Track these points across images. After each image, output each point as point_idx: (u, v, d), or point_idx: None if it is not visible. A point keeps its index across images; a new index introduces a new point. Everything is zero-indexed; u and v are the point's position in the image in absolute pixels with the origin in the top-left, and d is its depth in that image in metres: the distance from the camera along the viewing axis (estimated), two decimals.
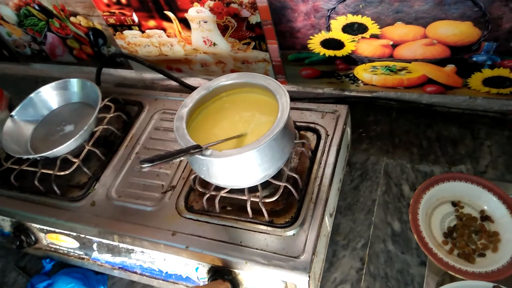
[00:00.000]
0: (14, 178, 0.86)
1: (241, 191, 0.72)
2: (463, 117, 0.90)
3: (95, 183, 0.83)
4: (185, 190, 0.78)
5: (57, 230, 0.80)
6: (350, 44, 0.84)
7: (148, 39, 1.01)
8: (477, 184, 0.75)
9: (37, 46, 1.18)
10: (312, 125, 0.82)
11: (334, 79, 0.94)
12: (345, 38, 0.83)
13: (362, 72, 0.90)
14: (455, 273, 0.66)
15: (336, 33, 0.82)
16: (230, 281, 0.69)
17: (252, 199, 0.70)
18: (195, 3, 0.87)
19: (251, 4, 0.83)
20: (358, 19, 0.78)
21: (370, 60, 0.86)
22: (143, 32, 1.00)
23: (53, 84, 0.95)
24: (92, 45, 1.10)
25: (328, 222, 0.74)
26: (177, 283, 0.77)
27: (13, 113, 0.92)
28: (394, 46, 0.81)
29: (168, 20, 0.94)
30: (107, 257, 0.80)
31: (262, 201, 0.70)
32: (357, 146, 0.91)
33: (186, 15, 0.91)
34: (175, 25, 0.95)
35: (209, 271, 0.71)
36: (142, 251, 0.75)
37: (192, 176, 0.76)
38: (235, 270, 0.69)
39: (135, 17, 0.96)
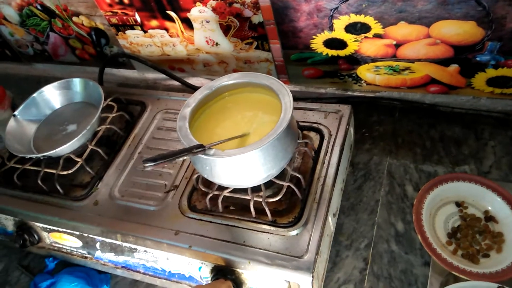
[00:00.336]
0: (17, 177, 0.87)
1: (244, 190, 0.72)
2: (466, 117, 0.89)
3: (98, 183, 0.83)
4: (188, 189, 0.78)
5: (60, 229, 0.80)
6: (353, 43, 0.84)
7: (150, 39, 1.01)
8: (481, 184, 0.75)
9: (40, 46, 1.18)
10: (315, 125, 0.82)
11: (337, 79, 0.94)
12: (348, 37, 0.83)
13: (365, 72, 0.89)
14: (459, 274, 0.66)
15: (339, 32, 0.82)
16: (233, 280, 0.68)
17: (255, 198, 0.70)
18: (198, 3, 0.87)
19: (253, 4, 0.83)
20: (361, 18, 0.78)
21: (373, 60, 0.85)
22: (145, 32, 1.00)
23: (55, 83, 0.95)
24: (95, 45, 1.10)
25: (331, 222, 0.74)
26: (180, 283, 0.77)
27: (16, 112, 0.92)
28: (397, 45, 0.81)
29: (171, 20, 0.94)
30: (110, 256, 0.80)
31: (265, 200, 0.69)
32: (360, 146, 0.91)
33: (188, 15, 0.91)
34: (178, 25, 0.95)
35: (212, 271, 0.71)
36: (145, 250, 0.75)
37: (195, 176, 0.76)
38: (238, 270, 0.68)
39: (137, 17, 0.96)
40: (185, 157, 0.61)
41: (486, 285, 0.64)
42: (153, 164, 0.58)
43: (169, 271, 0.76)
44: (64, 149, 0.81)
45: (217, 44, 0.96)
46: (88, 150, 0.85)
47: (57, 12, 1.04)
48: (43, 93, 0.95)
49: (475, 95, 0.86)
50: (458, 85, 0.85)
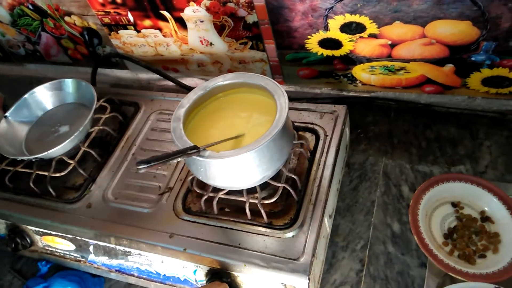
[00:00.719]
0: (9, 179, 0.86)
1: (239, 192, 0.71)
2: (462, 117, 0.89)
3: (91, 185, 0.82)
4: (183, 191, 0.77)
5: (53, 233, 0.79)
6: (348, 43, 0.83)
7: (143, 39, 1.00)
8: (477, 184, 0.75)
9: (31, 46, 1.17)
10: (310, 126, 0.82)
11: (332, 79, 0.93)
12: (343, 37, 0.82)
13: (360, 72, 0.89)
14: (456, 275, 0.66)
15: (334, 32, 0.82)
16: (229, 283, 0.68)
17: (250, 200, 0.70)
18: (191, 3, 0.86)
19: (248, 3, 0.82)
20: (356, 18, 0.78)
21: (368, 60, 0.85)
22: (138, 31, 0.99)
23: (47, 84, 0.94)
24: (87, 45, 1.09)
25: (327, 224, 0.73)
26: (175, 286, 0.76)
27: (7, 114, 0.91)
28: (393, 45, 0.81)
29: (164, 19, 0.93)
30: (103, 259, 0.79)
31: (261, 202, 0.69)
32: (356, 147, 0.90)
33: (182, 14, 0.90)
34: (171, 25, 0.94)
35: (207, 274, 0.70)
36: (139, 254, 0.74)
37: (190, 178, 0.76)
38: (233, 273, 0.68)
39: (130, 17, 0.95)
40: (179, 159, 0.61)
41: (482, 286, 0.64)
42: (146, 166, 0.57)
43: (164, 275, 0.75)
44: (57, 151, 0.80)
45: (211, 44, 0.95)
46: (81, 151, 0.84)
47: (48, 11, 1.03)
48: (35, 94, 0.94)
49: (470, 95, 0.86)
50: (453, 85, 0.85)
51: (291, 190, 0.70)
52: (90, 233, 0.76)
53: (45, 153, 0.79)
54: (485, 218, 0.73)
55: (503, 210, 0.72)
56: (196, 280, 0.72)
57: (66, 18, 1.03)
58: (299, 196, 0.71)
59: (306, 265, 0.64)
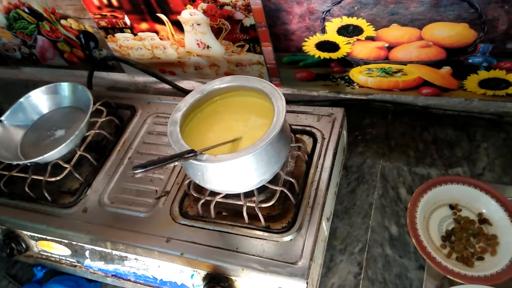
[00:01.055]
0: (4, 184, 0.85)
1: (237, 196, 0.71)
2: (459, 119, 0.89)
3: (87, 189, 0.82)
4: (180, 195, 0.77)
5: (48, 238, 0.79)
6: (345, 46, 0.83)
7: (140, 42, 1.00)
8: (474, 186, 0.75)
9: (27, 49, 1.16)
10: (308, 129, 0.81)
11: (329, 81, 0.93)
12: (340, 40, 0.82)
13: (357, 74, 0.89)
14: (454, 277, 0.65)
15: (331, 35, 0.82)
16: None
17: (248, 204, 0.69)
18: (188, 6, 0.86)
19: (245, 6, 0.82)
20: (353, 21, 0.78)
21: (366, 62, 0.85)
22: (135, 34, 0.98)
23: (43, 88, 0.93)
24: (84, 48, 1.09)
25: (325, 227, 0.73)
26: None
27: (2, 118, 0.90)
28: (390, 48, 0.81)
29: (161, 22, 0.93)
30: (100, 264, 0.78)
31: (259, 206, 0.68)
32: (353, 149, 0.90)
33: (179, 17, 0.90)
34: (168, 28, 0.93)
35: (204, 278, 0.70)
36: (135, 258, 0.73)
37: (187, 181, 0.75)
38: (231, 277, 0.67)
39: (127, 20, 0.95)
40: (176, 163, 0.60)
41: None
42: (142, 170, 0.57)
43: (161, 279, 0.74)
44: (52, 155, 0.79)
45: (208, 47, 0.95)
46: (77, 156, 0.83)
47: (44, 15, 1.03)
48: (30, 98, 0.93)
49: (467, 97, 0.86)
50: (450, 87, 0.85)
51: (288, 194, 0.69)
52: (86, 238, 0.75)
53: (41, 157, 0.78)
54: (483, 220, 0.73)
55: (501, 212, 0.72)
56: (193, 284, 0.72)
57: (62, 21, 1.03)
58: (297, 199, 0.71)
59: (304, 269, 0.63)
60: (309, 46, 0.85)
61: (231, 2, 0.82)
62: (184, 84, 1.07)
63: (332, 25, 0.80)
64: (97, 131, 0.87)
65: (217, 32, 0.90)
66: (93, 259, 0.78)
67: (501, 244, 0.70)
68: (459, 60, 0.78)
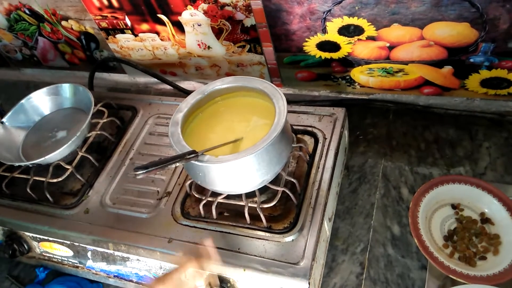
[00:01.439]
0: (6, 185, 0.85)
1: (238, 196, 0.71)
2: (460, 118, 0.89)
3: (89, 190, 0.82)
4: (181, 196, 0.77)
5: (50, 239, 0.79)
6: (346, 46, 0.83)
7: (141, 43, 1.00)
8: (476, 186, 0.74)
9: (28, 51, 1.16)
10: (309, 129, 0.81)
11: (330, 81, 0.93)
12: (341, 40, 0.82)
13: (358, 74, 0.89)
14: (457, 277, 0.65)
15: (332, 35, 0.82)
16: None
17: (249, 204, 0.69)
18: (189, 6, 0.86)
19: (245, 6, 0.82)
20: (354, 21, 0.77)
21: (367, 62, 0.85)
22: (136, 35, 0.98)
23: (44, 89, 0.93)
24: (84, 49, 1.09)
25: (327, 227, 0.73)
26: None
27: (4, 119, 0.91)
28: (391, 48, 0.80)
29: (162, 23, 0.93)
30: (102, 265, 0.78)
31: (260, 206, 0.68)
32: (355, 149, 0.90)
33: (179, 18, 0.90)
34: (169, 29, 0.93)
35: (206, 279, 0.69)
36: (137, 259, 0.73)
37: (188, 182, 0.75)
38: (233, 278, 0.67)
39: (127, 21, 0.95)
40: (177, 164, 0.60)
41: None
42: (144, 172, 0.57)
43: None
44: (54, 157, 0.79)
45: (209, 47, 0.95)
46: (78, 157, 0.84)
47: (45, 16, 1.03)
48: (32, 99, 0.93)
49: (469, 97, 0.86)
50: (452, 86, 0.85)
51: (290, 194, 0.69)
52: (88, 239, 0.75)
53: (42, 158, 0.78)
54: (485, 219, 0.73)
55: (503, 212, 0.72)
56: (195, 285, 0.72)
57: (63, 23, 1.03)
58: (299, 199, 0.71)
59: (306, 269, 0.63)
60: (310, 46, 0.85)
61: (232, 2, 0.82)
62: (185, 84, 1.07)
63: (333, 25, 0.79)
64: (98, 132, 0.87)
65: (218, 32, 0.90)
66: (95, 260, 0.78)
67: (504, 243, 0.70)
68: (461, 59, 0.78)
